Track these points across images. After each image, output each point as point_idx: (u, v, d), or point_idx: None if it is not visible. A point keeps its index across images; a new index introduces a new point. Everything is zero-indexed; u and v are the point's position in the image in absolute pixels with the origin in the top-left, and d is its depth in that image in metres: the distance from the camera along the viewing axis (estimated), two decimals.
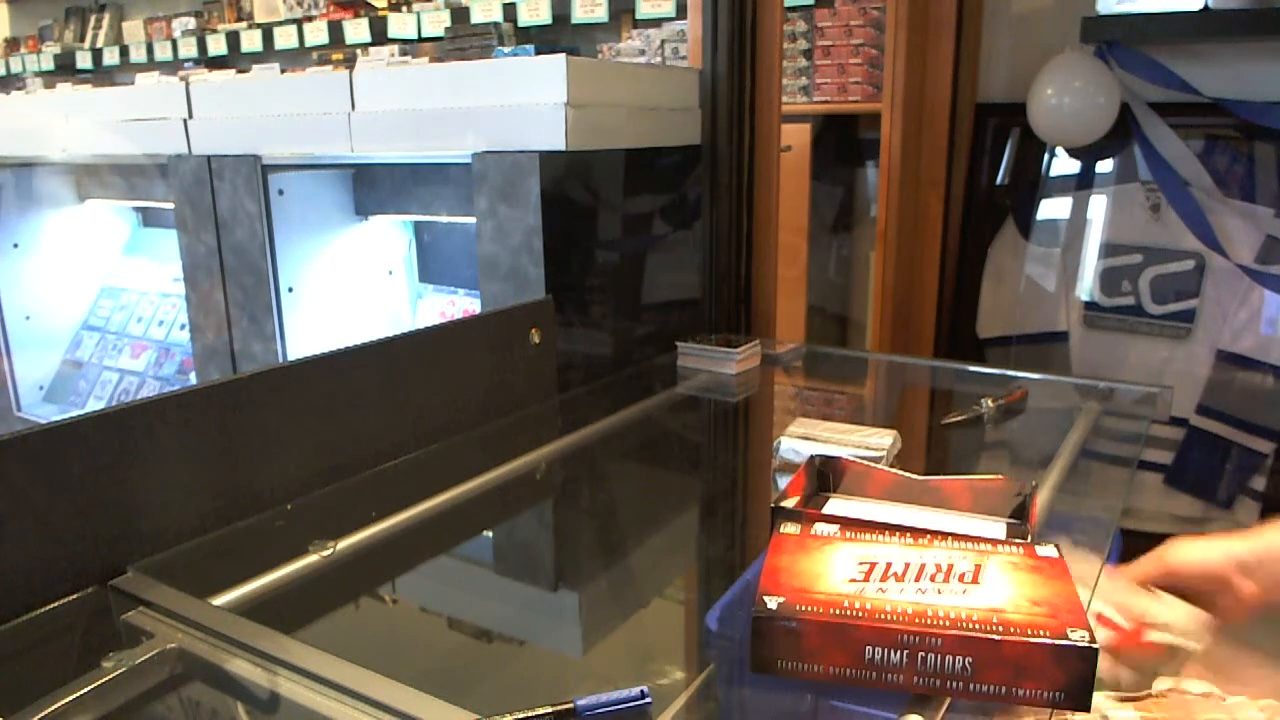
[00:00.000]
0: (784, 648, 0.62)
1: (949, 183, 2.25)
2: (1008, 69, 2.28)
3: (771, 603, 0.63)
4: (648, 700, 0.62)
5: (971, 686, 0.59)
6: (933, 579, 0.66)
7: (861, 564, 0.69)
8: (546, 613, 0.85)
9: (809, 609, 0.62)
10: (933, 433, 1.28)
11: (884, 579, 0.66)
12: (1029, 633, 0.58)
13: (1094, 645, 0.57)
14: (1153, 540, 0.93)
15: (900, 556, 0.70)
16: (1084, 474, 1.07)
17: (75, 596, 0.79)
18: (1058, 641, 0.58)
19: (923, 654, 0.60)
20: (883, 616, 0.61)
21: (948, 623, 0.60)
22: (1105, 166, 2.20)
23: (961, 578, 0.66)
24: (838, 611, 0.62)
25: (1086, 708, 0.58)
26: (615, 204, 1.46)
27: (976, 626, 0.59)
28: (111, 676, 0.65)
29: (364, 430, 1.05)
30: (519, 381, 1.27)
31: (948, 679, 0.59)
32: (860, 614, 0.61)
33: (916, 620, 0.60)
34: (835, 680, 0.62)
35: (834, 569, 0.68)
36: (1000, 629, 0.59)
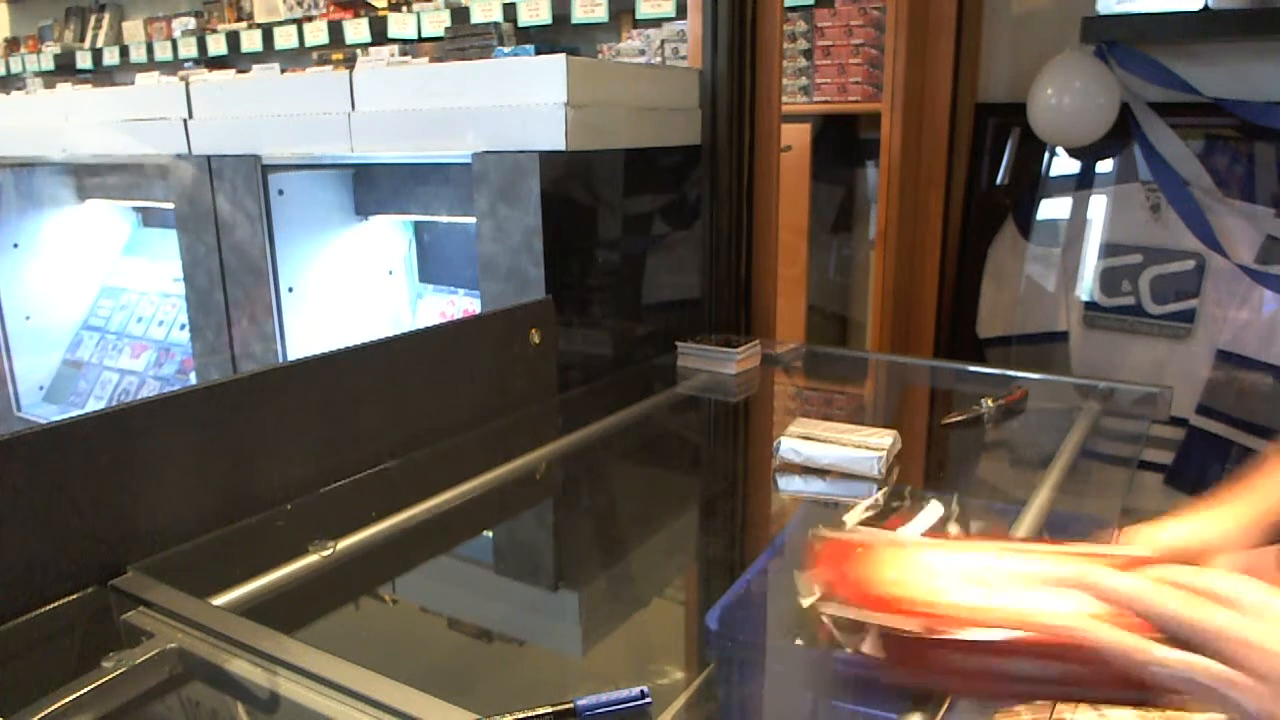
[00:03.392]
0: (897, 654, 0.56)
1: (949, 183, 2.25)
2: (1008, 69, 2.28)
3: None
4: (648, 700, 0.62)
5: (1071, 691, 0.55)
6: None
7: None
8: (546, 613, 0.85)
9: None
10: (933, 433, 1.28)
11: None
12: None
13: None
14: None
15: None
16: (1084, 474, 1.07)
17: (75, 596, 0.78)
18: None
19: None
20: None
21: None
22: (1105, 166, 2.19)
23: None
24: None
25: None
26: (615, 204, 1.46)
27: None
28: (111, 676, 0.65)
29: (364, 430, 1.05)
30: (519, 381, 1.27)
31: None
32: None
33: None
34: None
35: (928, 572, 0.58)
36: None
